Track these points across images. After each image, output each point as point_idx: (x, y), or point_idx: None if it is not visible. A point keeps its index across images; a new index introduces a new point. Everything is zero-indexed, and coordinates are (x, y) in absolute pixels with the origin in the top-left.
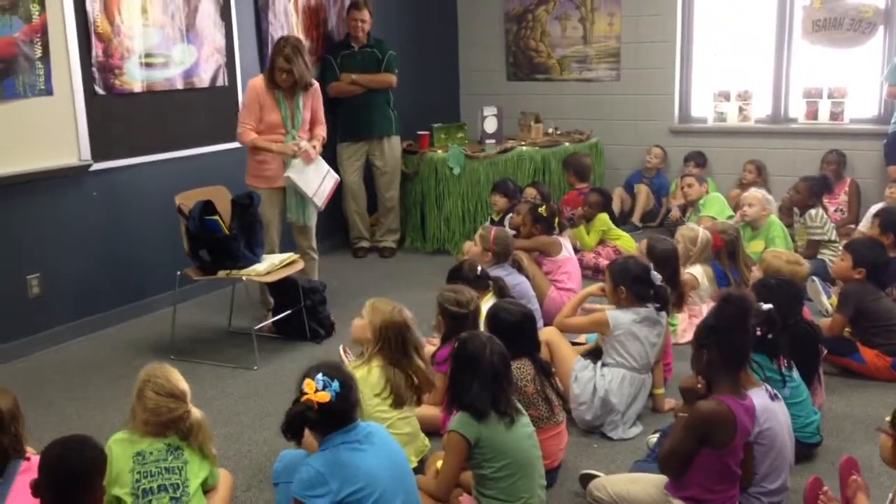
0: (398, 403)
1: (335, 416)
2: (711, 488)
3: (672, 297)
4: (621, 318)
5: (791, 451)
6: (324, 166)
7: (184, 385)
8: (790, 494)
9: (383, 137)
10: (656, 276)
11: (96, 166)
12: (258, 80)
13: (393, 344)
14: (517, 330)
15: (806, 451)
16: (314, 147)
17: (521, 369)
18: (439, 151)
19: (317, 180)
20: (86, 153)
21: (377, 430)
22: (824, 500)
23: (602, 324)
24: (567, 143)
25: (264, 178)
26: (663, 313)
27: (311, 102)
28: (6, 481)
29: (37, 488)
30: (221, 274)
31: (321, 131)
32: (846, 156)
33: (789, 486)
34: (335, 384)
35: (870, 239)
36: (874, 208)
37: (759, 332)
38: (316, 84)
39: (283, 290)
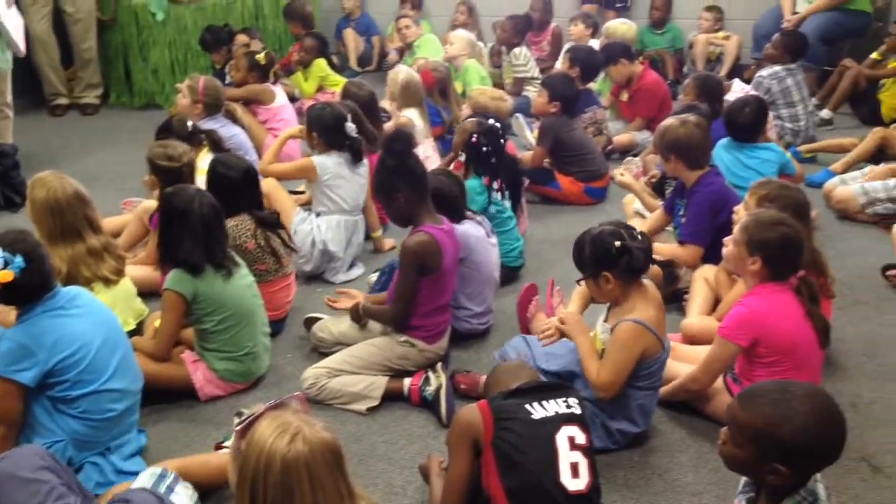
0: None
1: (26, 291)
2: (425, 314)
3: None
4: (327, 162)
5: (496, 280)
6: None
7: None
8: (496, 314)
9: None
10: (350, 127)
11: None
12: None
13: (58, 225)
14: (238, 185)
15: (511, 274)
16: None
17: (239, 226)
18: None
19: (16, 23)
20: None
21: (81, 293)
22: (535, 305)
23: (308, 169)
24: None
25: None
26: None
27: None
28: None
29: None
30: None
31: None
32: (551, 1)
33: (494, 308)
34: (18, 259)
35: (561, 74)
36: (567, 45)
37: (476, 142)
38: None
39: None
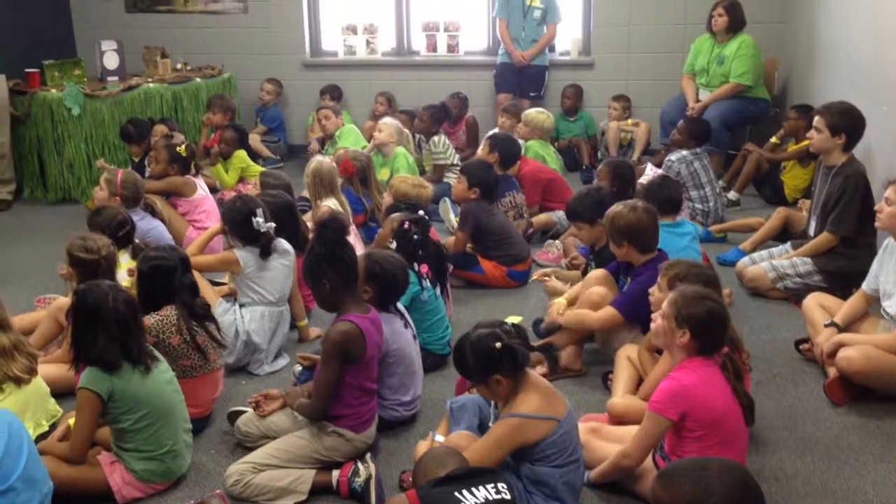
0: None
1: None
2: (351, 402)
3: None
4: (249, 255)
5: (419, 368)
6: None
7: None
8: (423, 401)
9: None
10: (259, 223)
11: None
12: None
13: None
14: (175, 271)
15: (439, 361)
16: None
17: (163, 321)
18: (54, 91)
19: None
20: None
21: None
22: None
23: (231, 262)
24: (198, 79)
25: None
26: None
27: None
28: None
29: None
30: None
31: None
32: (467, 98)
33: (420, 394)
34: None
35: (480, 161)
36: (490, 133)
37: (408, 230)
38: None
39: None
